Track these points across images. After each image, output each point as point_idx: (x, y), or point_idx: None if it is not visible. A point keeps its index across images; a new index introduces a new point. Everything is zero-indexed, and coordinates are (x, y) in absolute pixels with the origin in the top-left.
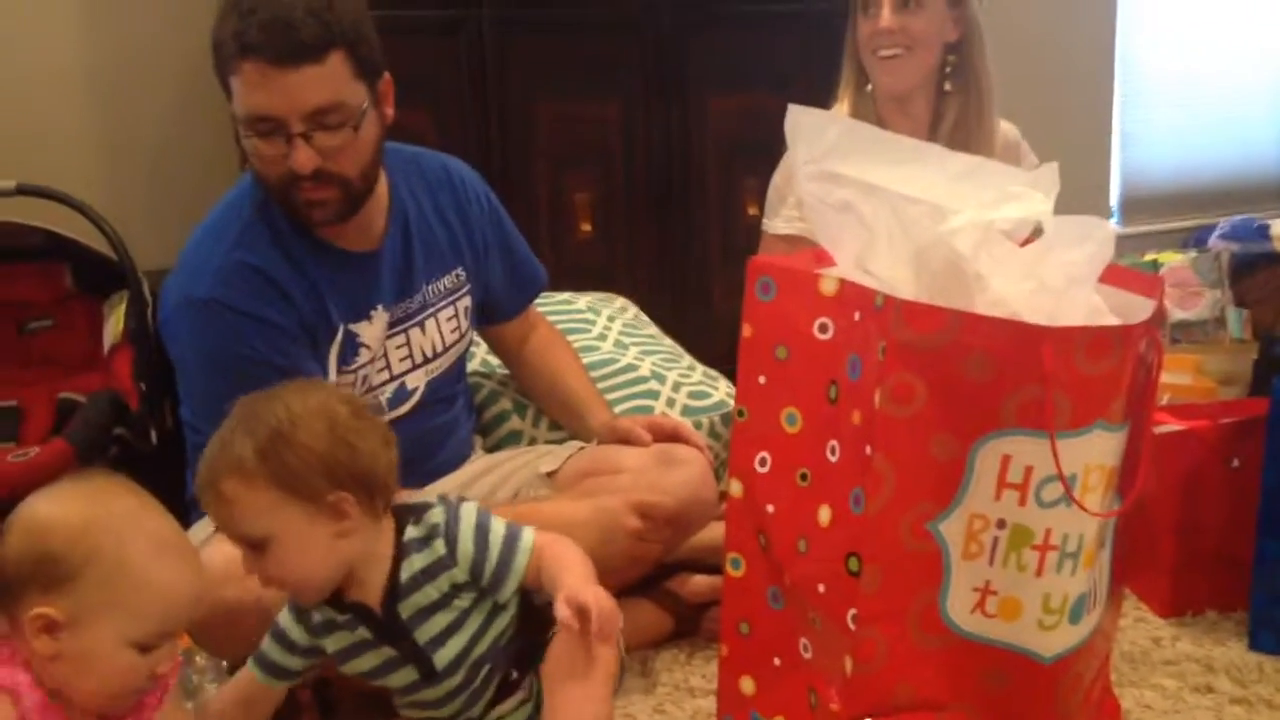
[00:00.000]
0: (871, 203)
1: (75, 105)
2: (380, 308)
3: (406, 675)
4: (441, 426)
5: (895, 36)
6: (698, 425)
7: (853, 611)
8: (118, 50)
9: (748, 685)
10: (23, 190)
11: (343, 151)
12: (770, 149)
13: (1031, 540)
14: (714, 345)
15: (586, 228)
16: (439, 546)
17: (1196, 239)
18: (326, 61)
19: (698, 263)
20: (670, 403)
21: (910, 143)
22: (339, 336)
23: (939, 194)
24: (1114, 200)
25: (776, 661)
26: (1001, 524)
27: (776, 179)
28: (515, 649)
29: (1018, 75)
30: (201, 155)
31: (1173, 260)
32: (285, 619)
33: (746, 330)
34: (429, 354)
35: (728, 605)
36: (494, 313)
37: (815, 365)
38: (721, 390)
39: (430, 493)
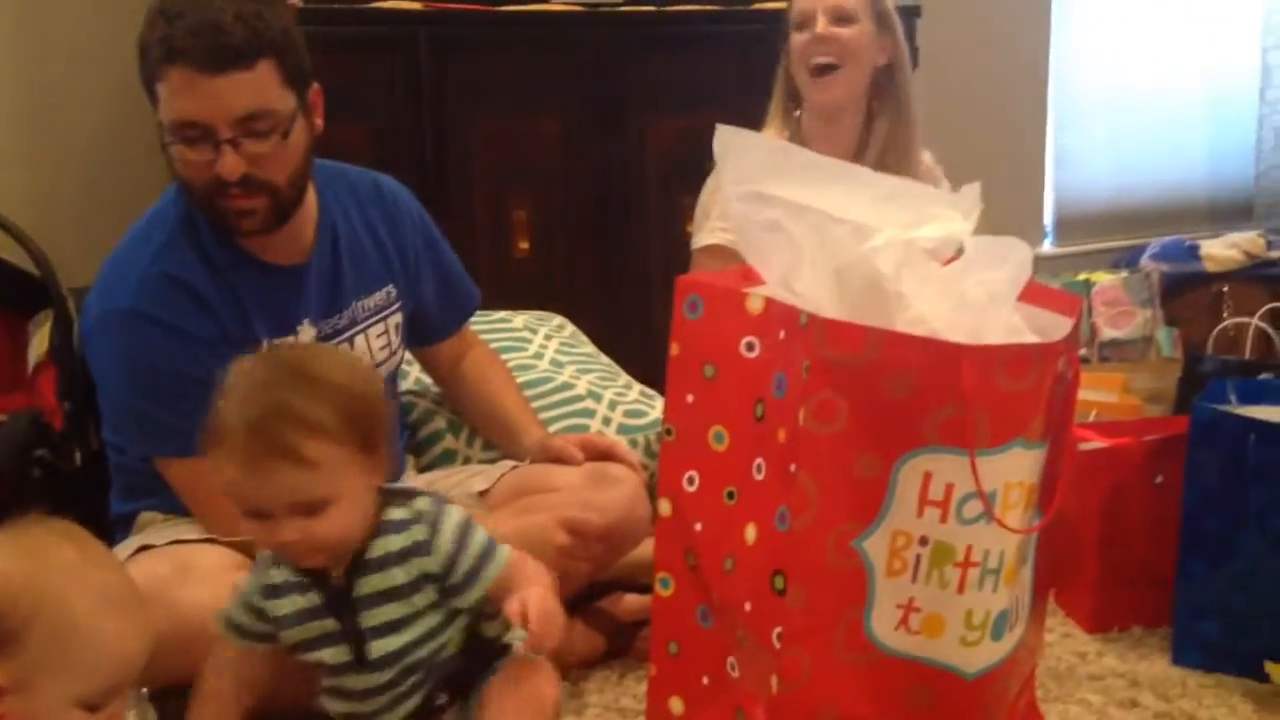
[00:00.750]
0: (799, 222)
1: (2, 122)
2: (306, 322)
3: (338, 654)
4: None
5: (829, 45)
6: (634, 444)
7: (778, 630)
8: (47, 61)
9: (676, 705)
10: None
11: (271, 159)
12: (708, 169)
13: (953, 557)
14: (652, 364)
15: (524, 246)
16: (419, 532)
17: (1129, 259)
18: (255, 68)
19: (636, 281)
20: (606, 421)
21: (837, 164)
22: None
23: (864, 214)
24: (1048, 220)
25: (705, 681)
26: (924, 541)
27: (703, 196)
28: (451, 669)
29: (950, 97)
30: (133, 170)
31: (1105, 280)
32: (246, 578)
33: (674, 349)
34: None
35: (657, 625)
36: (427, 332)
37: (742, 383)
38: (658, 409)
39: None
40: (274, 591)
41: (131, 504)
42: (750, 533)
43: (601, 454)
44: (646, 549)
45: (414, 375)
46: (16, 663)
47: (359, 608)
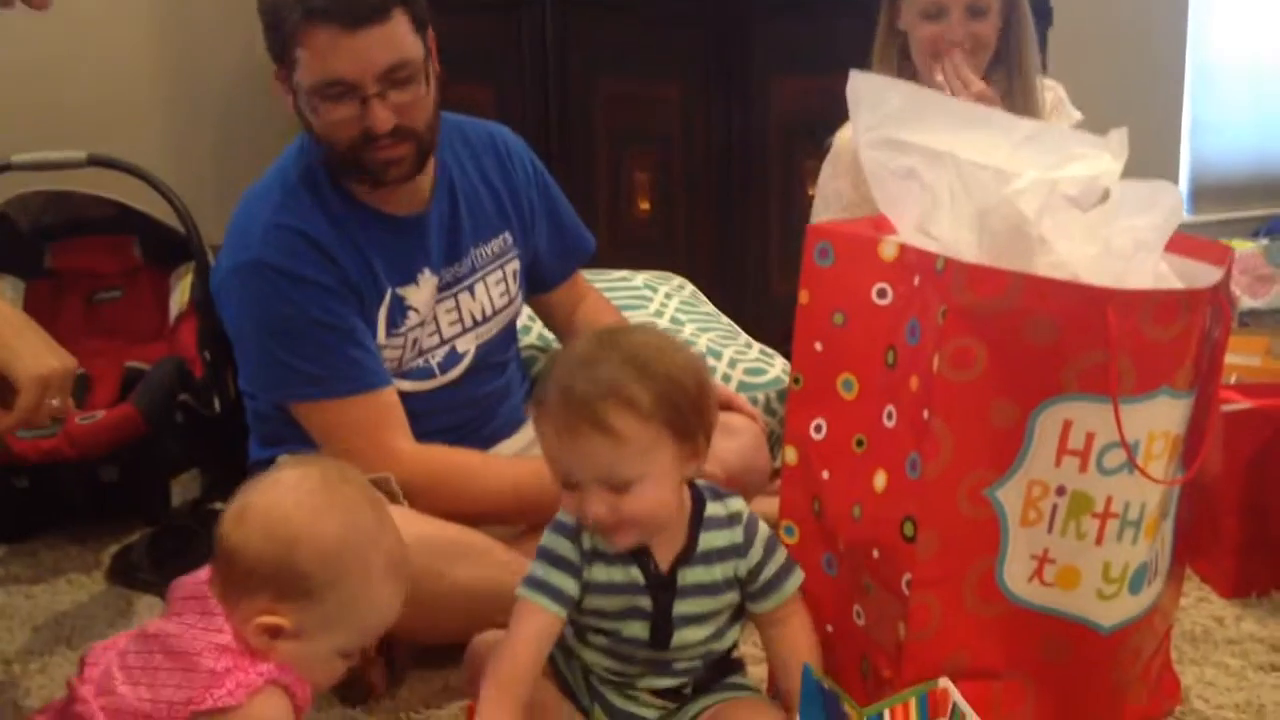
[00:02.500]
0: (936, 168)
1: (144, 78)
2: (428, 271)
3: (638, 630)
4: (494, 393)
5: (963, 43)
6: (754, 401)
7: (907, 577)
8: (187, 22)
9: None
10: (93, 161)
11: (415, 106)
12: (831, 131)
13: (1092, 508)
14: (770, 327)
15: (644, 206)
16: (738, 534)
17: (1269, 228)
18: (391, 19)
19: (756, 244)
20: (726, 378)
21: (975, 108)
22: (387, 299)
23: (1004, 159)
24: (1184, 188)
25: (829, 629)
26: (1061, 491)
27: (822, 180)
28: (706, 672)
29: (1086, 64)
30: (268, 128)
31: (1244, 248)
32: (552, 539)
33: (804, 297)
34: (478, 318)
35: None
36: (542, 280)
37: (873, 331)
38: (778, 367)
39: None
40: (594, 556)
41: (270, 450)
42: (880, 480)
43: (720, 405)
44: (764, 505)
45: (536, 330)
46: (305, 615)
47: (678, 595)
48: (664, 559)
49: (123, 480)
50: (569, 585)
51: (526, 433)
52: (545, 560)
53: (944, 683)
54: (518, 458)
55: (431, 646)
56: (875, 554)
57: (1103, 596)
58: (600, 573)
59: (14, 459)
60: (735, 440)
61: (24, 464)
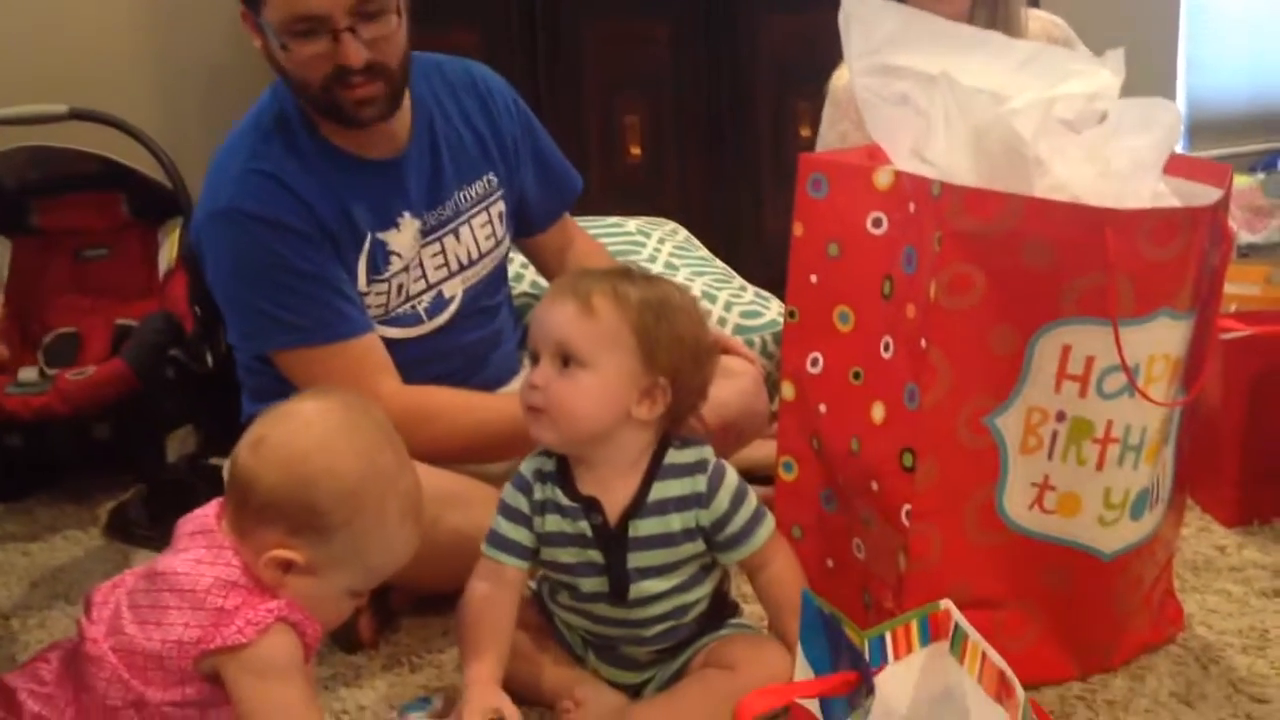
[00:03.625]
0: (929, 91)
1: (126, 28)
2: (408, 215)
3: (596, 585)
4: (485, 339)
5: None
6: (750, 344)
7: (907, 507)
8: None
9: None
10: (75, 115)
11: (388, 40)
12: (824, 71)
13: (1092, 433)
14: (765, 270)
15: (636, 151)
16: (700, 482)
17: (1265, 163)
18: None
19: (749, 187)
20: (722, 322)
21: (970, 31)
22: (366, 245)
23: (999, 82)
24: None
25: (829, 563)
26: (1061, 417)
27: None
28: (698, 625)
29: (1078, 2)
30: (255, 81)
31: (1241, 183)
32: (509, 493)
33: (797, 229)
34: (464, 261)
35: (781, 509)
36: (529, 222)
37: (869, 261)
38: (774, 310)
39: None
40: (542, 508)
41: (261, 404)
42: (878, 412)
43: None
44: (762, 449)
45: (529, 278)
46: (318, 551)
47: (630, 548)
48: (613, 511)
49: (116, 437)
50: (523, 536)
51: (515, 385)
52: (502, 515)
53: (945, 604)
54: (499, 394)
55: (429, 594)
56: (874, 486)
57: (1104, 523)
58: (552, 524)
59: (6, 416)
60: (734, 383)
61: (16, 422)
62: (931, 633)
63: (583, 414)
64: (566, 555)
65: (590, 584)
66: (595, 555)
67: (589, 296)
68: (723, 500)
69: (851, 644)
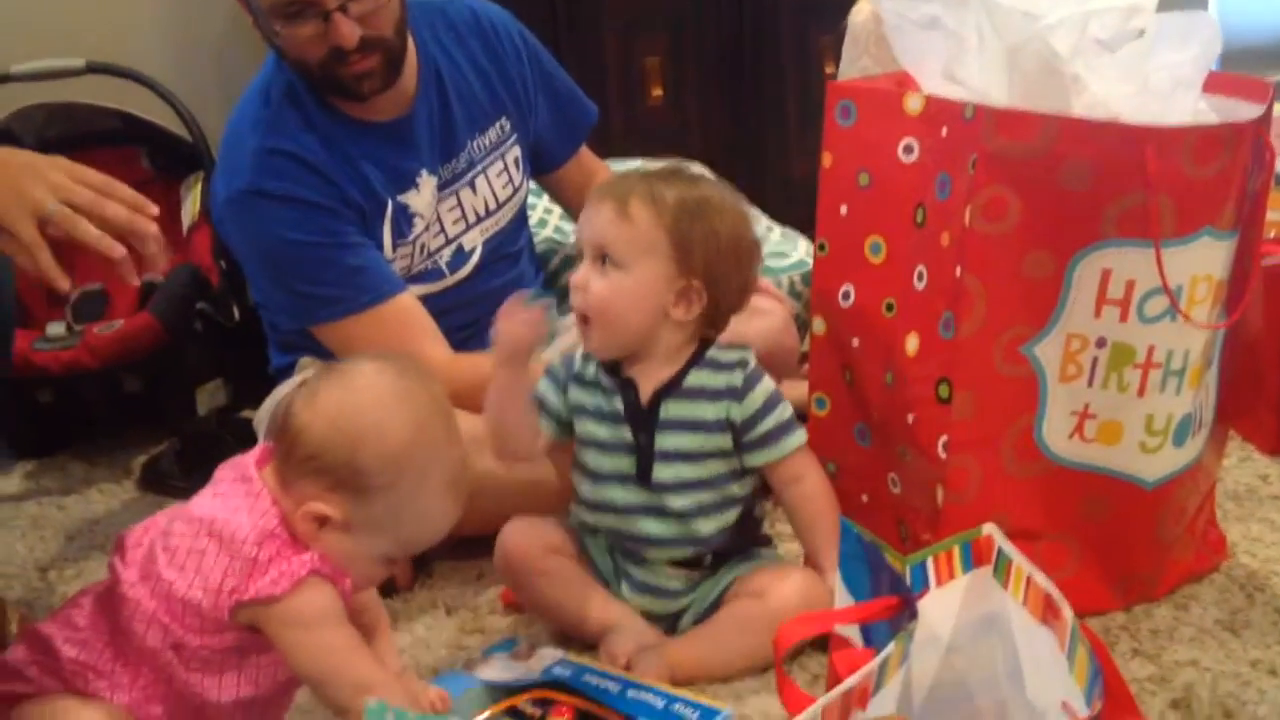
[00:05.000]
0: (959, 11)
1: None
2: (425, 173)
3: (621, 464)
4: (507, 285)
5: None
6: (777, 285)
7: (944, 439)
8: None
9: None
10: (93, 68)
11: (380, 13)
12: (846, 6)
13: (1133, 359)
14: (792, 211)
15: (657, 93)
16: (737, 377)
17: None
18: None
19: (773, 127)
20: None
21: None
22: (389, 210)
23: (1033, 1)
24: None
25: (864, 499)
26: (1101, 343)
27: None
28: (721, 543)
29: None
30: None
31: (1276, 112)
32: (560, 363)
33: (826, 159)
34: (482, 213)
35: (814, 446)
36: (547, 159)
37: (900, 189)
38: (801, 249)
39: None
40: (581, 381)
41: (289, 356)
42: (912, 343)
43: None
44: (792, 391)
45: (552, 224)
46: (356, 510)
47: (659, 428)
48: (646, 390)
49: (147, 391)
50: (553, 398)
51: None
52: (546, 372)
53: (988, 529)
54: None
55: (464, 537)
56: (910, 419)
57: (1146, 450)
58: (588, 397)
59: (35, 371)
60: (763, 321)
61: (46, 377)
62: (974, 558)
63: (618, 313)
64: (599, 430)
65: (616, 462)
66: (625, 433)
67: (626, 200)
68: (756, 398)
69: (893, 569)
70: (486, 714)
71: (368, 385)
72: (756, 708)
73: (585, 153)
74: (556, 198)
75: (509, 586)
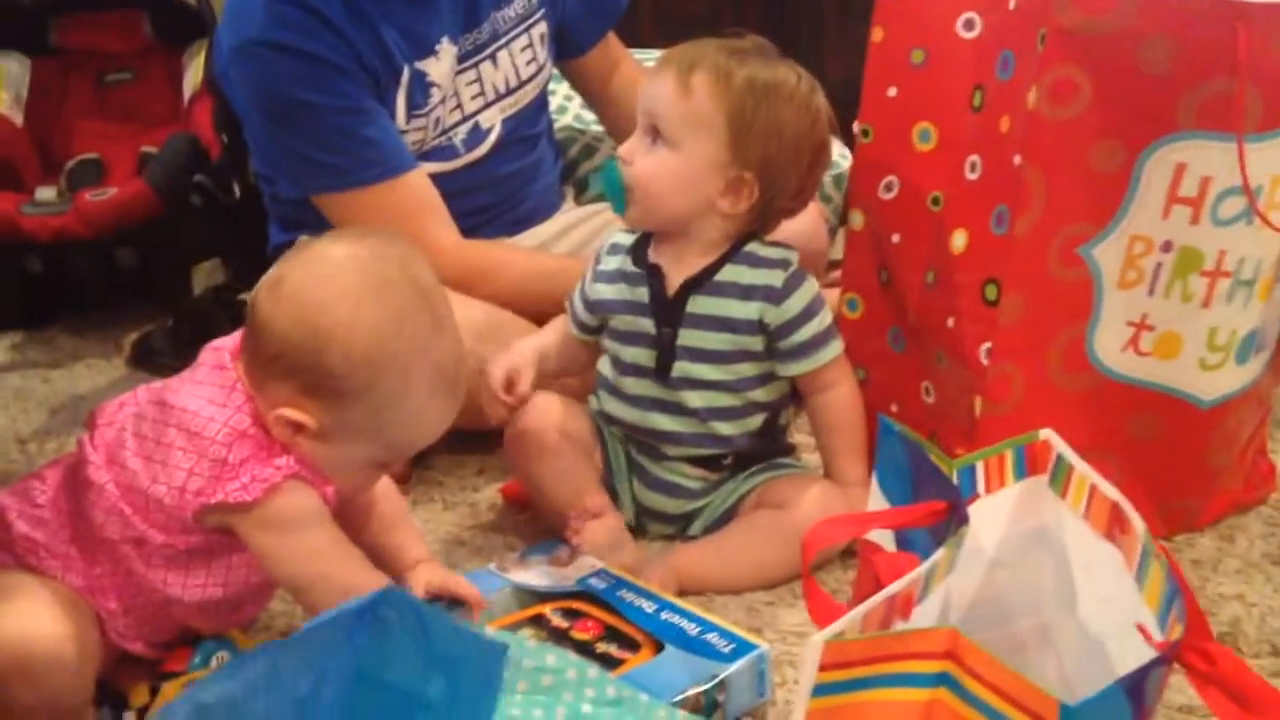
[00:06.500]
0: None
1: None
2: (445, 40)
3: (640, 356)
4: (525, 170)
5: None
6: None
7: (986, 345)
8: None
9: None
10: None
11: None
12: None
13: (1201, 265)
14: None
15: None
16: (777, 278)
17: None
18: None
19: (809, 23)
20: None
21: None
22: (405, 77)
23: None
24: None
25: (894, 408)
26: (1167, 246)
27: None
28: (743, 446)
29: None
30: None
31: None
32: (589, 267)
33: (876, 34)
34: (502, 89)
35: None
36: (573, 43)
37: (958, 68)
38: (833, 151)
39: (520, 243)
40: (604, 276)
41: (290, 234)
42: (958, 240)
43: None
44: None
45: (573, 111)
46: (332, 417)
47: (683, 323)
48: (674, 281)
49: (141, 266)
50: (579, 305)
51: (561, 219)
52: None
53: (1046, 434)
54: (561, 256)
55: (467, 431)
56: (950, 322)
57: (1205, 366)
58: (611, 291)
59: (23, 236)
60: (792, 222)
61: (34, 243)
62: (1028, 465)
63: (659, 193)
64: (621, 320)
65: (635, 354)
66: (647, 324)
67: (691, 71)
68: (796, 304)
69: (939, 472)
70: (508, 621)
71: (336, 273)
72: (768, 621)
73: (612, 39)
74: (578, 86)
75: (514, 458)
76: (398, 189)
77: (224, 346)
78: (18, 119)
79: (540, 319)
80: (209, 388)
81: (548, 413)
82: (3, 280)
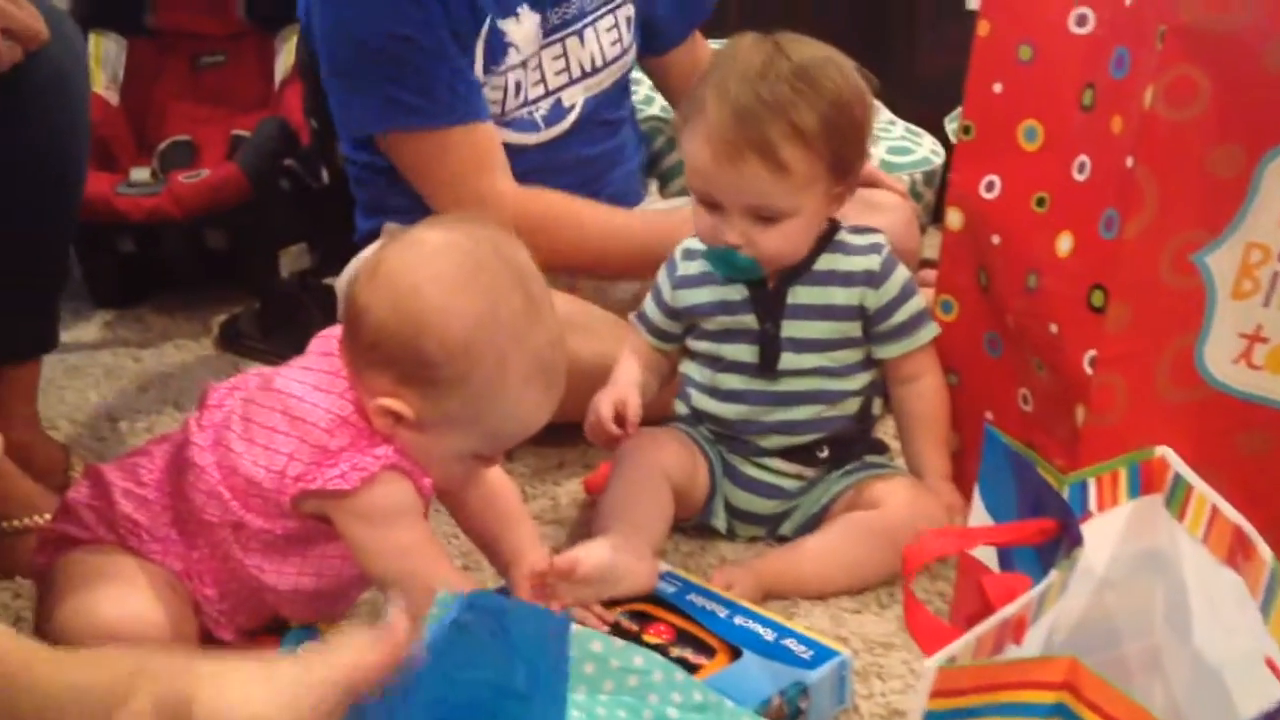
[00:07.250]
0: None
1: None
2: (527, 6)
3: (741, 352)
4: (605, 155)
5: None
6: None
7: (1091, 354)
8: None
9: (954, 441)
10: None
11: None
12: None
13: None
14: (917, 107)
15: None
16: (874, 262)
17: None
18: None
19: (902, 14)
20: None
21: None
22: (485, 30)
23: None
24: None
25: (989, 416)
26: None
27: None
28: (840, 430)
29: None
30: None
31: None
32: (661, 278)
33: (983, 28)
34: (587, 68)
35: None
36: (658, 39)
37: (1068, 65)
38: (925, 146)
39: None
40: (688, 281)
41: (373, 219)
42: (1064, 243)
43: (865, 181)
44: None
45: (660, 102)
46: (430, 406)
47: (786, 315)
48: (773, 275)
49: (230, 248)
50: (658, 318)
51: (646, 208)
52: (650, 296)
53: (1162, 451)
54: (644, 213)
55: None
56: (1053, 329)
57: None
58: (703, 294)
59: (117, 216)
60: (883, 217)
61: (127, 223)
62: (1143, 484)
63: (791, 252)
64: (718, 321)
65: (736, 351)
66: (749, 320)
67: (775, 150)
68: (893, 286)
69: (1051, 488)
70: (577, 626)
71: (430, 259)
72: (854, 629)
73: (696, 38)
74: (660, 84)
75: (613, 474)
76: (467, 136)
77: (332, 334)
78: (114, 99)
79: (603, 274)
80: (316, 374)
81: (663, 446)
82: (96, 260)
